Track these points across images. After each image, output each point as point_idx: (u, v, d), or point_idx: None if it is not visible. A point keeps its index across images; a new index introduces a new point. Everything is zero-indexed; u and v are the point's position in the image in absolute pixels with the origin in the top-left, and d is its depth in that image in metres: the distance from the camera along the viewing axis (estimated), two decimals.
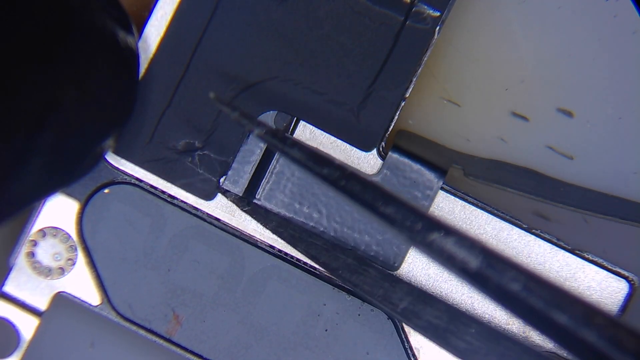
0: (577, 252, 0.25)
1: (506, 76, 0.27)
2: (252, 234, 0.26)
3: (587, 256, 0.25)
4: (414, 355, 0.26)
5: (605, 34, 0.27)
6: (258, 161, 0.25)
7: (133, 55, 0.23)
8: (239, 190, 0.25)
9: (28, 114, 0.19)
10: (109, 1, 0.22)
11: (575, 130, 0.27)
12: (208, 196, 0.25)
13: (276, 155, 0.25)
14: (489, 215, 0.26)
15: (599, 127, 0.27)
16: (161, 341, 0.26)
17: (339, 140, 0.25)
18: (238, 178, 0.25)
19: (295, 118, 0.25)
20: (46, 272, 0.26)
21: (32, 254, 0.26)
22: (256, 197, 0.25)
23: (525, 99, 0.27)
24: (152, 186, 0.25)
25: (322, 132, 0.25)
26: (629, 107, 0.27)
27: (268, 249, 0.26)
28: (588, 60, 0.27)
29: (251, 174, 0.25)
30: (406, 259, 0.26)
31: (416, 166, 0.25)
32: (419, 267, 0.26)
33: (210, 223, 0.26)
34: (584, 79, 0.27)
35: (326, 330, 0.26)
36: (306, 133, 0.25)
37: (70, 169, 0.22)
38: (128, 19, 0.23)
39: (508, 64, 0.27)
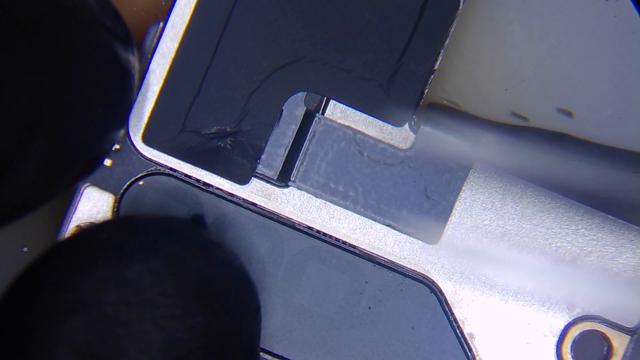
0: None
1: (506, 76, 0.27)
2: (289, 216, 0.26)
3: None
4: (459, 327, 0.26)
5: (605, 34, 0.27)
6: (291, 143, 0.25)
7: (128, 62, 0.23)
8: (273, 173, 0.25)
9: (17, 119, 0.19)
10: (104, 10, 0.22)
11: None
12: (243, 180, 0.25)
13: (309, 136, 0.25)
14: (525, 181, 0.26)
15: (599, 127, 0.27)
16: None
17: (371, 117, 0.25)
18: (272, 161, 0.25)
19: (325, 98, 0.25)
20: None
21: None
22: (291, 179, 0.25)
23: (525, 99, 0.27)
24: (186, 175, 0.25)
25: (354, 110, 0.25)
26: (629, 107, 0.27)
27: (306, 230, 0.26)
28: (588, 60, 0.27)
29: (285, 156, 0.25)
30: (445, 231, 0.26)
31: (449, 138, 0.25)
32: (457, 239, 0.26)
33: (247, 208, 0.26)
34: (584, 79, 0.27)
35: (369, 308, 0.26)
36: (337, 112, 0.25)
37: (62, 175, 0.22)
38: (124, 27, 0.23)
39: (508, 64, 0.27)
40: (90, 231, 0.23)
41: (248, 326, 0.22)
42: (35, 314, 0.20)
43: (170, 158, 0.25)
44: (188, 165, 0.25)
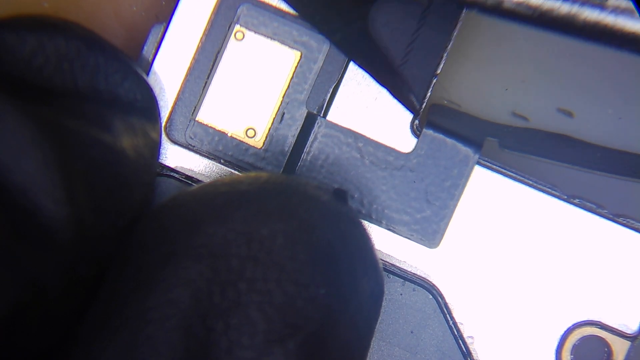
0: (619, 219, 0.25)
1: (506, 76, 0.27)
2: None
3: (629, 223, 0.25)
4: (458, 330, 0.26)
5: None
6: (292, 145, 0.25)
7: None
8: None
9: None
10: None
11: None
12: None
13: (310, 139, 0.25)
14: (527, 187, 0.25)
15: (599, 127, 0.27)
16: None
17: (372, 120, 0.25)
18: (273, 163, 0.25)
19: (327, 101, 0.25)
20: None
21: None
22: None
23: (525, 99, 0.27)
24: (187, 177, 0.25)
25: (354, 112, 0.25)
26: (629, 107, 0.27)
27: None
28: (588, 60, 0.27)
29: (286, 158, 0.25)
30: (445, 235, 0.25)
31: (451, 141, 0.25)
32: (458, 243, 0.26)
33: None
34: (584, 79, 0.27)
35: None
36: (339, 115, 0.25)
37: None
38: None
39: (508, 64, 0.27)
40: (233, 180, 0.22)
41: (362, 315, 0.22)
42: (163, 250, 0.20)
43: (170, 159, 0.25)
44: (189, 167, 0.25)
